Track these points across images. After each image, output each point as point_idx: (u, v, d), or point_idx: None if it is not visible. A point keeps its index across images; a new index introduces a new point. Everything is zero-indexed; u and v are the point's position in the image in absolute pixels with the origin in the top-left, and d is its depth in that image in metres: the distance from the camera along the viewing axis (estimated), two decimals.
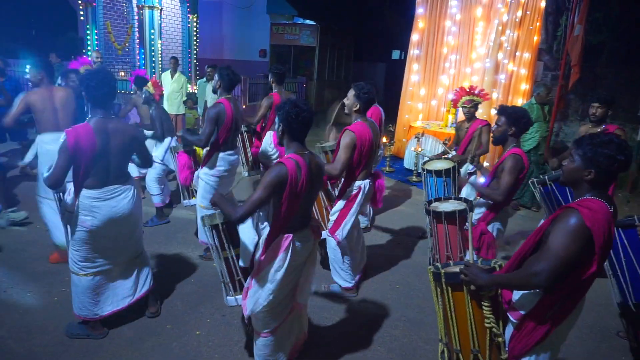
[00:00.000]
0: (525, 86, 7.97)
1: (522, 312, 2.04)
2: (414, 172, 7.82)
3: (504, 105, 3.58)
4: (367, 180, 3.70)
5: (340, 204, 3.70)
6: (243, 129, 5.40)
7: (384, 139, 8.51)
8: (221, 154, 4.18)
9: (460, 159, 4.74)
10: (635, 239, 2.70)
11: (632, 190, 6.84)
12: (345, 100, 3.67)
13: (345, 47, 18.18)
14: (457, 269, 2.14)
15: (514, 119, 3.30)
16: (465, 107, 4.94)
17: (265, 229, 2.59)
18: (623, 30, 7.91)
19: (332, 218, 3.73)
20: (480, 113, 7.31)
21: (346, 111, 3.69)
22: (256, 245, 2.66)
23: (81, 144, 2.78)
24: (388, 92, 14.34)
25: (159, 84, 5.35)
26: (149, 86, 5.20)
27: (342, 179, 3.71)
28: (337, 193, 3.85)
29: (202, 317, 3.47)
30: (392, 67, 18.88)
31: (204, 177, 4.20)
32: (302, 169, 2.41)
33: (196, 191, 4.42)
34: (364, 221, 5.33)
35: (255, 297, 2.53)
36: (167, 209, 5.52)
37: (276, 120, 2.55)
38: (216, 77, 4.13)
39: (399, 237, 5.33)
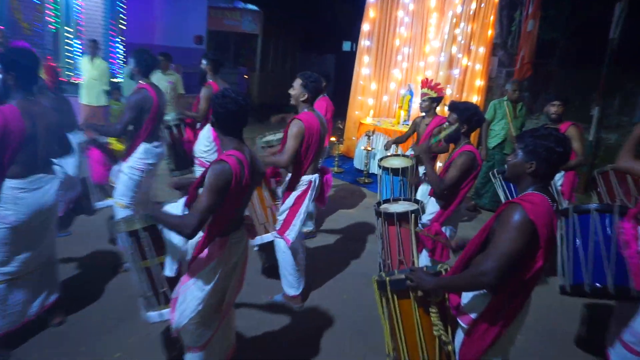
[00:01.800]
0: (480, 82, 8.32)
1: (473, 316, 2.12)
2: (365, 172, 7.95)
3: (455, 101, 3.73)
4: (317, 175, 3.81)
5: (289, 201, 3.75)
6: (172, 122, 5.27)
7: (333, 138, 8.60)
8: (146, 146, 4.13)
9: (422, 150, 4.86)
10: (587, 224, 2.90)
11: (584, 192, 7.32)
12: (290, 91, 3.73)
13: (291, 37, 18.20)
14: (402, 276, 2.19)
15: (466, 117, 3.46)
16: (422, 99, 5.11)
17: None
18: (574, 29, 8.46)
19: (281, 218, 3.78)
20: (439, 111, 7.57)
21: (292, 102, 3.76)
22: (184, 252, 2.63)
23: (9, 127, 2.72)
24: (338, 86, 14.49)
25: (53, 68, 5.02)
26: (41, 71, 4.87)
27: (290, 174, 3.78)
28: (281, 192, 3.90)
29: (123, 337, 3.34)
30: (343, 59, 19.13)
31: (128, 172, 4.12)
32: (244, 166, 2.41)
33: (112, 190, 4.29)
34: (309, 225, 5.37)
35: (182, 308, 2.50)
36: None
37: None
38: (131, 61, 4.11)
39: (347, 242, 5.40)
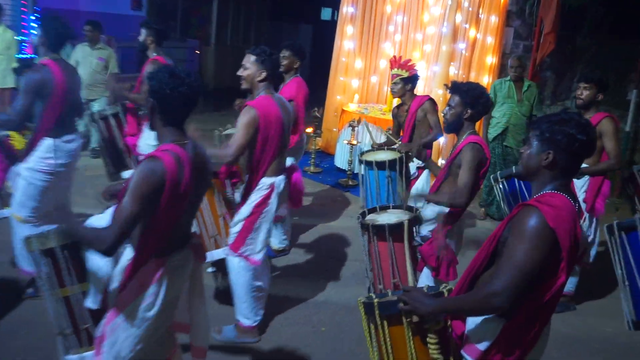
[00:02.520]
0: (492, 59, 8.46)
1: (482, 347, 2.16)
2: (349, 172, 7.98)
3: (456, 81, 3.81)
4: (282, 176, 3.84)
5: (245, 209, 3.76)
6: (109, 112, 5.23)
7: (309, 129, 8.61)
8: (52, 141, 4.07)
9: (409, 148, 4.90)
10: (637, 244, 3.02)
11: (620, 195, 7.49)
12: (241, 72, 3.76)
13: (256, 2, 18.17)
14: (394, 297, 2.22)
15: (471, 99, 3.52)
16: (392, 82, 5.21)
17: (127, 252, 2.54)
18: None
19: (234, 230, 3.79)
20: (438, 95, 7.66)
21: (245, 85, 3.79)
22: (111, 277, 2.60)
23: None
24: (316, 65, 14.52)
25: None
26: None
27: (248, 176, 3.80)
28: (239, 197, 3.92)
29: None
30: (321, 30, 19.18)
31: (28, 175, 4.06)
32: (184, 165, 2.39)
33: (10, 196, 4.22)
34: (281, 240, 5.36)
35: (115, 350, 2.48)
36: None
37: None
38: (38, 30, 4.11)
39: (326, 261, 5.43)
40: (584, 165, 4.45)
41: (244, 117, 3.61)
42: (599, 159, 4.60)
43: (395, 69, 5.13)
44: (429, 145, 5.16)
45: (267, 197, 3.76)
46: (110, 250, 2.29)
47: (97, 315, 2.65)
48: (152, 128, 2.59)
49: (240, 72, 3.76)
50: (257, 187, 3.76)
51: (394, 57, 5.39)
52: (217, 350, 3.81)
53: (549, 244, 2.01)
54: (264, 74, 3.70)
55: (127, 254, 2.51)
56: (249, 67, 3.72)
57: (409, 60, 5.28)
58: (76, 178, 4.74)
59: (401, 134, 5.43)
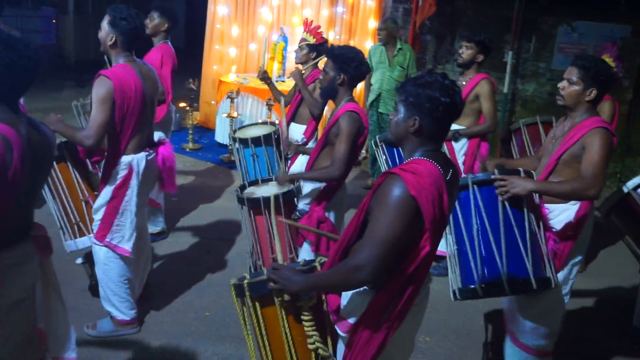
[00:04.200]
0: (373, 23, 8.67)
1: (352, 321, 2.21)
2: (230, 148, 7.95)
3: (332, 45, 3.86)
4: (143, 154, 3.69)
5: (105, 193, 3.63)
6: None
7: (183, 104, 8.46)
8: None
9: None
10: (490, 200, 2.95)
11: (500, 157, 7.99)
12: (99, 34, 3.58)
13: None
14: (263, 277, 2.27)
15: (342, 63, 3.57)
16: (298, 46, 5.18)
17: None
18: None
19: (97, 217, 3.66)
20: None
21: (101, 49, 3.62)
22: None
23: None
24: (190, 32, 14.21)
25: None
26: None
27: (106, 154, 3.67)
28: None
29: None
30: None
31: None
32: (14, 147, 2.21)
33: None
34: (157, 222, 5.26)
35: None
36: None
37: None
38: None
39: (209, 243, 5.43)
40: (461, 127, 4.74)
41: (98, 91, 3.38)
42: (476, 120, 4.86)
43: (304, 33, 5.07)
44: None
45: (126, 178, 3.60)
46: None
47: None
48: None
49: (99, 34, 3.57)
50: (116, 168, 3.59)
51: (306, 19, 5.32)
52: (93, 345, 3.74)
53: (411, 213, 2.03)
54: (113, 39, 3.50)
55: None
56: (102, 28, 3.53)
57: (319, 26, 5.18)
58: None
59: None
